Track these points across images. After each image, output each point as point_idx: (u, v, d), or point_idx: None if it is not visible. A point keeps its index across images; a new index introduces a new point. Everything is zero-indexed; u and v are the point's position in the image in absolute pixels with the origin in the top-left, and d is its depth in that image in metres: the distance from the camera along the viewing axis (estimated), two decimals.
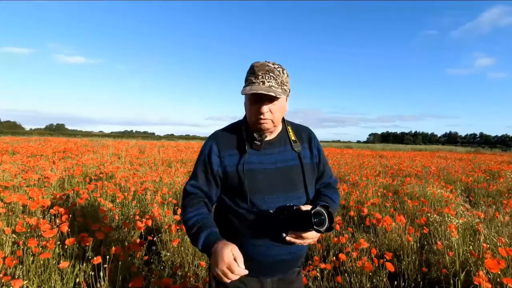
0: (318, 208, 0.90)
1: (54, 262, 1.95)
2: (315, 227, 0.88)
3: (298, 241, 0.97)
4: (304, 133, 1.19)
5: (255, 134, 1.06)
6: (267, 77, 0.99)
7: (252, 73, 1.00)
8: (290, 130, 1.15)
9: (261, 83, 0.98)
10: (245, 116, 1.12)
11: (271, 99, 1.00)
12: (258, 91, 0.96)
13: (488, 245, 2.30)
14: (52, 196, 3.36)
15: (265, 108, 1.00)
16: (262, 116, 1.01)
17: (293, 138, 1.13)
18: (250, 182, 1.02)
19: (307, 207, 0.94)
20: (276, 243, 1.02)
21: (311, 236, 0.96)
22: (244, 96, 1.04)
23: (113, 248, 1.93)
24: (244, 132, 1.08)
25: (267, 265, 1.06)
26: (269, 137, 1.09)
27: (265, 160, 1.06)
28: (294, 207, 0.96)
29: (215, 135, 1.13)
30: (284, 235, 0.96)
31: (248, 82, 1.00)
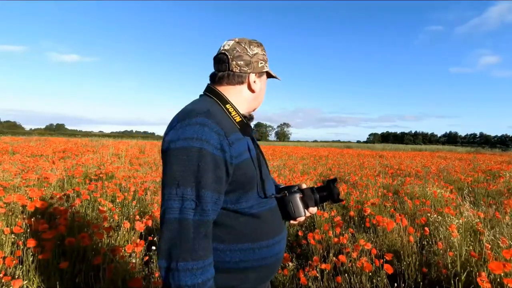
0: (331, 181, 0.98)
1: (54, 262, 1.95)
2: (338, 197, 0.96)
3: (302, 219, 0.97)
4: None
5: (244, 116, 0.93)
6: None
7: (266, 55, 0.99)
8: None
9: None
10: (219, 94, 0.89)
11: None
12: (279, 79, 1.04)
13: (490, 245, 2.29)
14: (51, 196, 3.36)
15: None
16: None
17: None
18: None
19: (305, 185, 1.00)
20: (284, 233, 0.97)
21: (315, 211, 0.99)
22: (260, 75, 0.97)
23: (113, 248, 1.92)
24: (236, 113, 0.89)
25: (276, 265, 0.93)
26: None
27: None
28: (297, 187, 0.98)
29: (209, 114, 0.79)
30: (303, 215, 0.95)
31: (267, 64, 0.98)
